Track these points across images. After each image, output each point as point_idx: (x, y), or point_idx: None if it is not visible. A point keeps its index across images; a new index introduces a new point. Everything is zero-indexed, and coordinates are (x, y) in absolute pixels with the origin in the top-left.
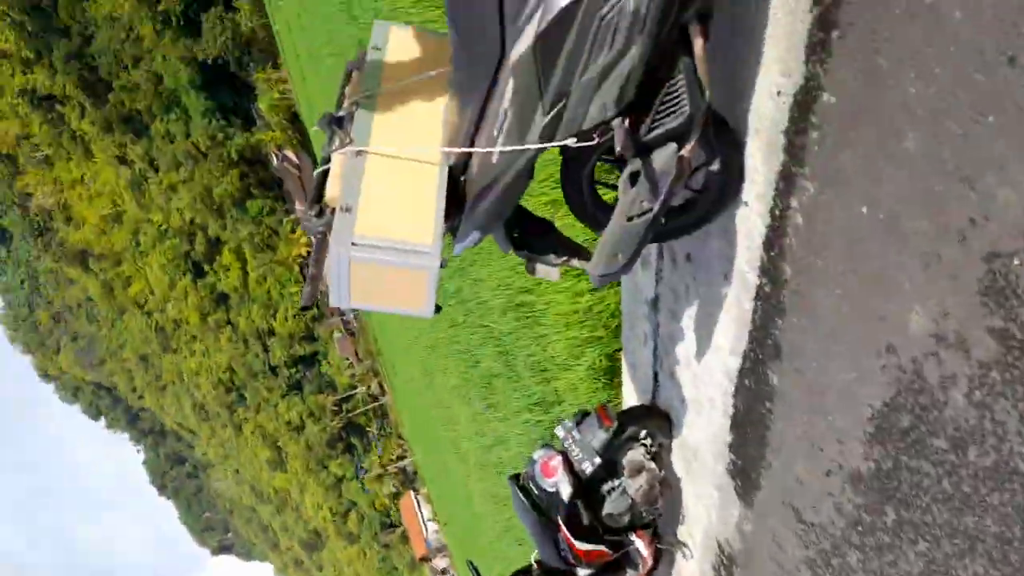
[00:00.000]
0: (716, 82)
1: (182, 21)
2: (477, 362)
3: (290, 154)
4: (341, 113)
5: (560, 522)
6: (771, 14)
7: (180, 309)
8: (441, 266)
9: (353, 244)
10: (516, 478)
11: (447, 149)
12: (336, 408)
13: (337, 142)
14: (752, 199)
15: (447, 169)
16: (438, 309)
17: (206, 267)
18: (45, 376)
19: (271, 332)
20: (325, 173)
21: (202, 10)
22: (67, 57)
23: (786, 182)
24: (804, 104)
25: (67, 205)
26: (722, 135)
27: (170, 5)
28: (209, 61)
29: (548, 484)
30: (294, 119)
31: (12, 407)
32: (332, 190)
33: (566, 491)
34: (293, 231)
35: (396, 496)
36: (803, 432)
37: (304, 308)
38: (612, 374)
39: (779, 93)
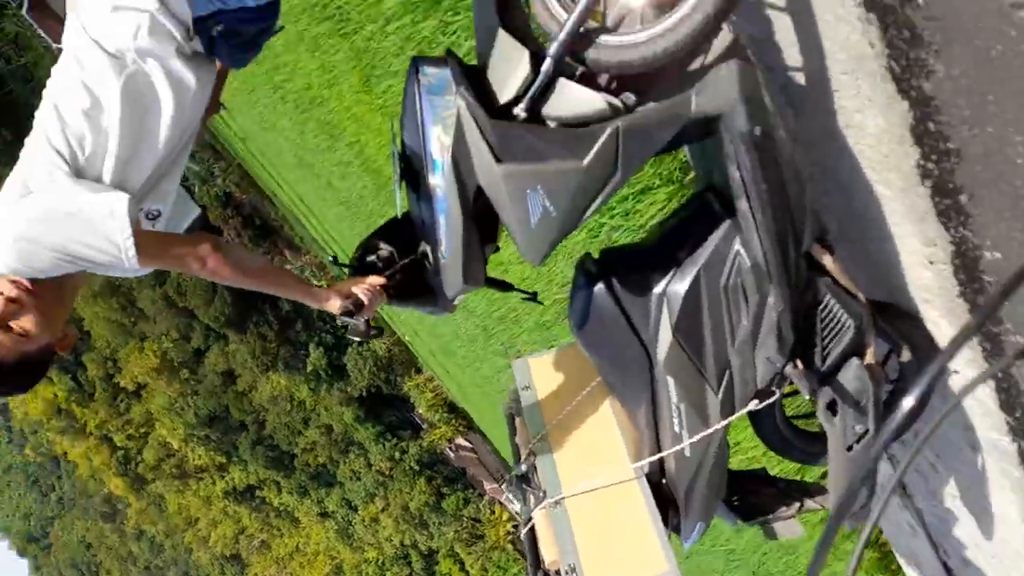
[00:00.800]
0: (859, 276)
1: (329, 372)
2: None
3: (462, 442)
4: (523, 468)
5: None
6: (881, 200)
7: None
8: None
9: None
10: None
11: (638, 464)
12: None
13: (532, 500)
14: (961, 366)
15: (645, 480)
16: None
17: None
18: None
19: None
20: (533, 533)
21: (341, 354)
22: (251, 446)
23: (991, 342)
24: (967, 267)
25: None
26: (892, 319)
27: (315, 364)
28: (363, 394)
29: None
30: (452, 410)
31: None
32: (548, 552)
33: None
34: (493, 512)
35: None
36: None
37: None
38: (887, 560)
39: (932, 263)
